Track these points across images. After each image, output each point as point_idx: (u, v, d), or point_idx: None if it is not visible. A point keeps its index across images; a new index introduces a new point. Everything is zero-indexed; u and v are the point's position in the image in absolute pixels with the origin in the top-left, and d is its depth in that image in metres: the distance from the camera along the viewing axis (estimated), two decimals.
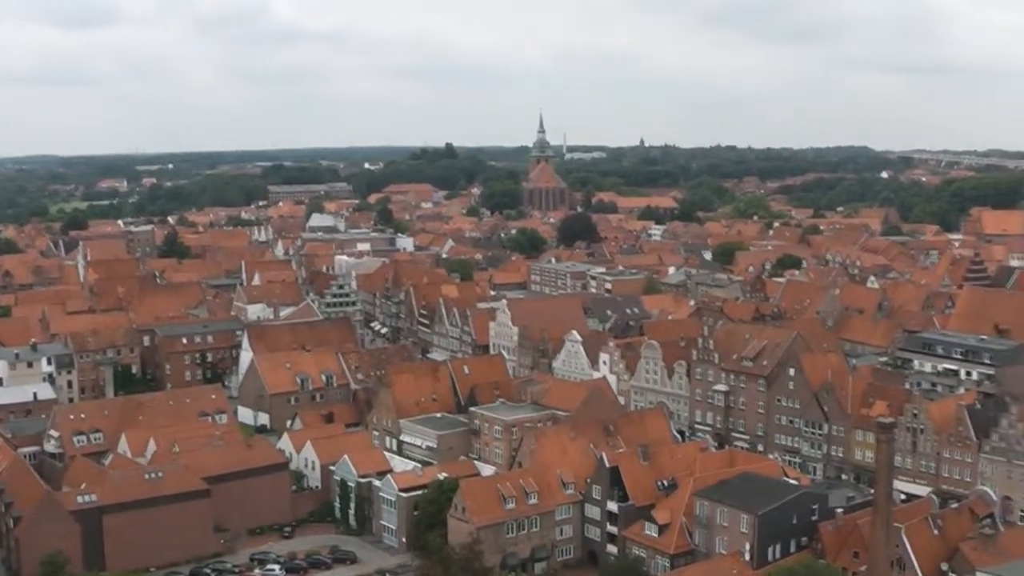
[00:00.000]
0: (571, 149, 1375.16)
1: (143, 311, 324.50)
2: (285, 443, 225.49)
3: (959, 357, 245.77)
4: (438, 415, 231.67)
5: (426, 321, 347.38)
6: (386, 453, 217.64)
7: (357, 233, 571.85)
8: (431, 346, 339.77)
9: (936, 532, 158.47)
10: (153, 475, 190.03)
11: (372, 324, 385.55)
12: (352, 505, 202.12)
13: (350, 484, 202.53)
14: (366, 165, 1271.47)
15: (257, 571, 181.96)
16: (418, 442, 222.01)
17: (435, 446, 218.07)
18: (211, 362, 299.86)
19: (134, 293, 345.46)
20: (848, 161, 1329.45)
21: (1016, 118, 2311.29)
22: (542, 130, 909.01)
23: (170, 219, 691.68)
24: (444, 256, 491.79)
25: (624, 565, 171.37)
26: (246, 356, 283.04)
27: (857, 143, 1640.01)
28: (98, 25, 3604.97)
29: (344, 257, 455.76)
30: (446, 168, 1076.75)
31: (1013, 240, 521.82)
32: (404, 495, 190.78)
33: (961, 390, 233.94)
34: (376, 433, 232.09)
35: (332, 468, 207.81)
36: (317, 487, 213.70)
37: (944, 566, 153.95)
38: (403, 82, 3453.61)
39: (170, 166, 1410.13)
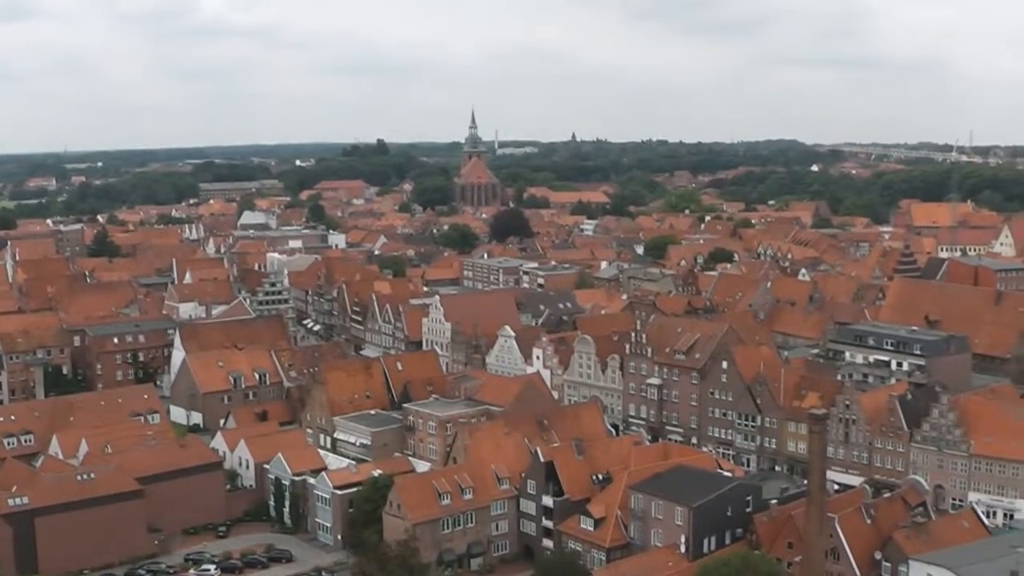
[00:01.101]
0: (503, 145, 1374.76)
1: (73, 311, 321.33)
2: (219, 442, 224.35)
3: (890, 348, 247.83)
4: (372, 412, 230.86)
5: (359, 318, 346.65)
6: (320, 451, 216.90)
7: (289, 230, 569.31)
8: (364, 343, 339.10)
9: (869, 521, 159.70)
10: (85, 476, 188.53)
11: (305, 321, 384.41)
12: (287, 503, 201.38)
13: (284, 482, 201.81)
14: (297, 162, 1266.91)
15: (192, 571, 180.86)
16: (352, 439, 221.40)
17: (369, 443, 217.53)
18: (143, 362, 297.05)
19: (64, 293, 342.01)
20: (778, 155, 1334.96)
21: (944, 111, 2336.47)
22: (474, 126, 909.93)
23: (100, 218, 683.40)
24: (376, 253, 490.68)
25: (560, 559, 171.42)
26: (178, 355, 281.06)
27: (787, 136, 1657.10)
28: (19, 20, 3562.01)
29: (276, 255, 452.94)
30: (378, 164, 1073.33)
31: (942, 232, 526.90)
32: (339, 493, 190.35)
33: (892, 381, 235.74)
34: (310, 431, 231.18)
35: (266, 466, 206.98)
36: (251, 486, 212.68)
37: (877, 555, 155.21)
38: (334, 78, 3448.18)
39: (99, 164, 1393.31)
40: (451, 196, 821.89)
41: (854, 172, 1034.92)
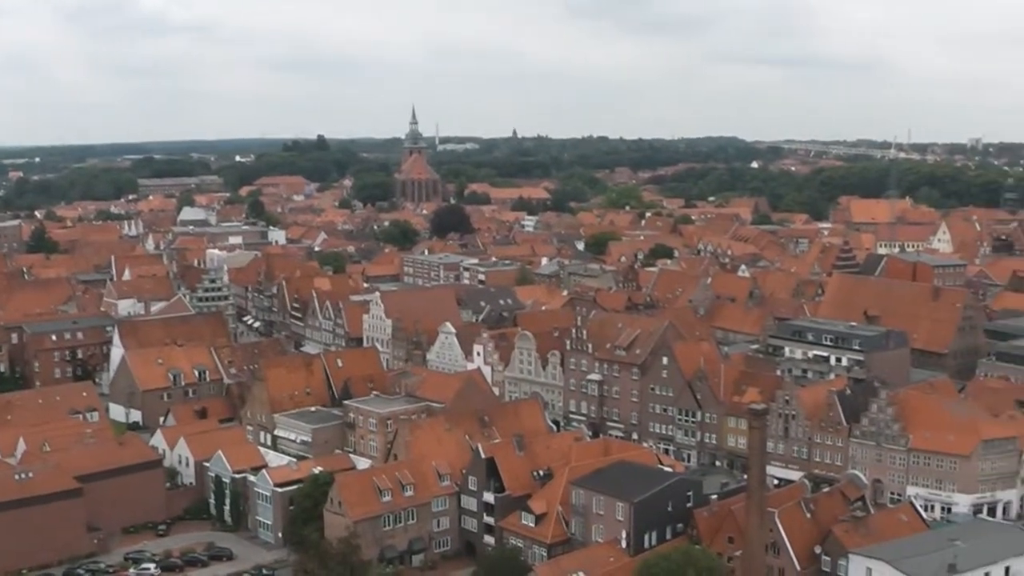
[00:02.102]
0: (443, 140, 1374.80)
1: (10, 308, 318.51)
2: (158, 440, 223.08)
3: (829, 344, 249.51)
4: (312, 409, 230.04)
5: (299, 314, 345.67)
6: (260, 448, 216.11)
7: (229, 226, 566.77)
8: (304, 339, 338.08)
9: (809, 516, 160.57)
10: (23, 475, 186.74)
11: (245, 318, 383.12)
12: (227, 501, 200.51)
13: (225, 480, 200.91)
14: (237, 158, 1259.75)
15: (132, 570, 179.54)
16: (293, 436, 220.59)
17: (310, 440, 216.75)
18: (81, 359, 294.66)
19: (1, 289, 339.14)
20: (719, 151, 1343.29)
21: (883, 109, 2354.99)
22: (414, 121, 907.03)
23: (38, 214, 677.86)
24: (316, 249, 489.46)
25: (501, 555, 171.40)
26: (117, 352, 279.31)
27: (727, 133, 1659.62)
28: None
29: (216, 251, 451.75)
30: (318, 160, 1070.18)
31: (881, 228, 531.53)
32: (279, 490, 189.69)
33: (831, 376, 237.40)
34: (250, 428, 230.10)
35: (206, 464, 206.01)
36: (191, 484, 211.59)
37: (817, 549, 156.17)
38: (275, 74, 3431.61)
39: (37, 160, 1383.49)
40: (392, 192, 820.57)
41: (794, 169, 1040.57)
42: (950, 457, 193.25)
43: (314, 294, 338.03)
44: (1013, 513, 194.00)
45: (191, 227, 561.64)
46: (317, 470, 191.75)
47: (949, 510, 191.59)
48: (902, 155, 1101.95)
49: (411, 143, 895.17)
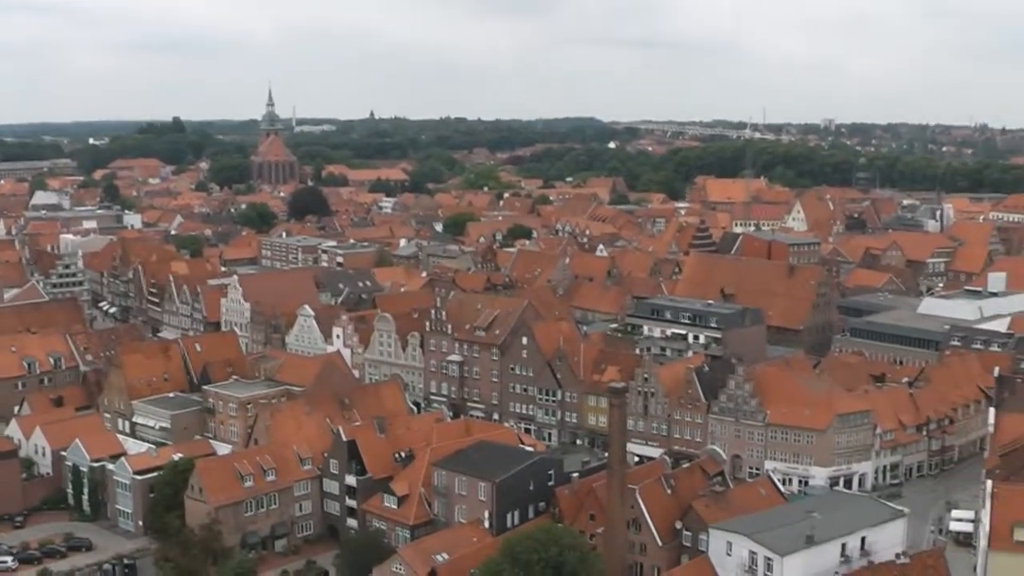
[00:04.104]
0: (300, 122, 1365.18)
1: None
2: (13, 430, 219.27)
3: (687, 322, 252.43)
4: (171, 395, 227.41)
5: (156, 299, 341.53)
6: (119, 435, 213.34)
7: (83, 211, 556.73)
8: (162, 325, 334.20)
9: (669, 492, 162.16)
10: None
11: (100, 304, 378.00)
12: (86, 490, 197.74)
13: (83, 469, 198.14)
14: (91, 140, 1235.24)
15: None
16: (151, 423, 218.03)
17: (169, 426, 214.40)
18: None
19: None
20: (576, 132, 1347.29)
21: (738, 91, 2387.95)
22: (271, 103, 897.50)
23: None
24: (173, 233, 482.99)
25: (365, 538, 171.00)
26: None
27: (585, 114, 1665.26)
28: None
29: (70, 236, 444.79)
30: (174, 143, 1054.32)
31: (737, 207, 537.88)
32: (139, 478, 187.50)
33: (689, 353, 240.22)
34: (108, 415, 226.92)
35: (63, 453, 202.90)
36: (48, 474, 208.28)
37: (678, 524, 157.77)
38: (129, 56, 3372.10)
39: None
40: (248, 175, 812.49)
41: (651, 149, 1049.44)
42: (807, 431, 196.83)
43: (171, 278, 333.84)
44: (868, 484, 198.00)
45: (44, 212, 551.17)
46: (177, 456, 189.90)
47: (806, 483, 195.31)
48: (757, 135, 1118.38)
49: (268, 125, 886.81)
